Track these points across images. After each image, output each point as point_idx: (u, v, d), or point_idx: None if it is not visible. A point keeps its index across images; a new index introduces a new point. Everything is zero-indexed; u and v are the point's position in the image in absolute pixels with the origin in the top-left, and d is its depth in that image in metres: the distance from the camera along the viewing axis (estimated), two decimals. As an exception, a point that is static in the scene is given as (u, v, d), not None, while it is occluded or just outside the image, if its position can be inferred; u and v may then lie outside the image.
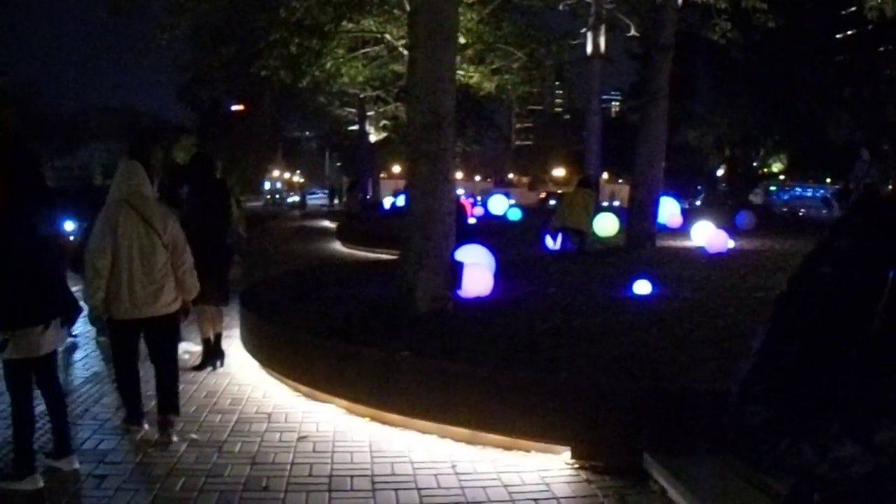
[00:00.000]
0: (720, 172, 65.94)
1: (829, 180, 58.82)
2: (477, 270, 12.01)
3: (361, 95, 45.86)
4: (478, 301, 11.67)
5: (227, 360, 11.53)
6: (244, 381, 10.77)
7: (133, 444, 8.14)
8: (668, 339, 9.39)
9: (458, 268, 11.25)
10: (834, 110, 50.48)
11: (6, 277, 6.88)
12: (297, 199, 78.06)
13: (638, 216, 21.06)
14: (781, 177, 64.32)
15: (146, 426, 8.57)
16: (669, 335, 9.63)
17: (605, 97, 29.95)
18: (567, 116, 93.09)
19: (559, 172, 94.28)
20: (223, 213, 11.58)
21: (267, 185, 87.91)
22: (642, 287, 12.64)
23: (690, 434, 7.03)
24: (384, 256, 22.33)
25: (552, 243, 20.08)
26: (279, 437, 8.46)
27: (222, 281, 11.28)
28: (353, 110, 51.01)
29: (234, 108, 72.99)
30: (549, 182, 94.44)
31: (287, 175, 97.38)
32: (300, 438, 8.39)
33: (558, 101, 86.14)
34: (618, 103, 77.42)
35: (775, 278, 14.21)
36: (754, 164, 64.51)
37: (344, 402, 9.26)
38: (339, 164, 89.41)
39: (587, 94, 32.48)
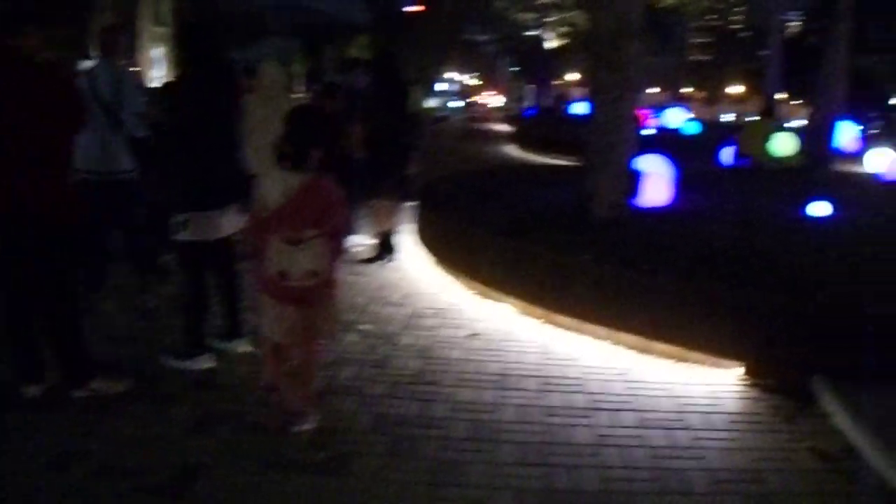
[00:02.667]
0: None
1: None
2: (656, 180, 11.85)
3: (541, 1, 45.49)
4: (655, 211, 11.50)
5: (401, 255, 11.66)
6: (418, 276, 10.92)
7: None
8: (847, 263, 9.09)
9: (636, 176, 11.12)
10: None
11: (187, 161, 7.07)
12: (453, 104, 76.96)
13: (815, 139, 20.78)
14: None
15: None
16: (849, 259, 9.33)
17: (784, 16, 28.73)
18: (745, 34, 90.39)
19: (735, 89, 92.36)
20: (403, 112, 11.63)
21: (441, 87, 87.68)
22: (821, 208, 12.30)
23: (863, 361, 6.86)
24: (562, 162, 22.22)
25: (728, 159, 20.01)
26: (449, 333, 8.53)
27: (399, 177, 11.38)
28: (533, 15, 50.51)
29: (411, 9, 72.91)
30: (725, 99, 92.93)
31: (463, 77, 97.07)
32: (471, 335, 8.45)
33: (736, 17, 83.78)
34: (798, 23, 74.89)
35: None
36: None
37: (518, 303, 9.27)
38: (514, 69, 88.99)
39: (768, 12, 31.54)
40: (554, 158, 24.95)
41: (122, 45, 9.44)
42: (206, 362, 7.20)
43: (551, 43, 50.52)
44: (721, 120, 55.79)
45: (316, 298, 5.90)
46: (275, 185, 5.80)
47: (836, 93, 20.69)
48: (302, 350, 6.13)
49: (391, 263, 11.38)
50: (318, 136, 5.84)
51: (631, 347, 8.09)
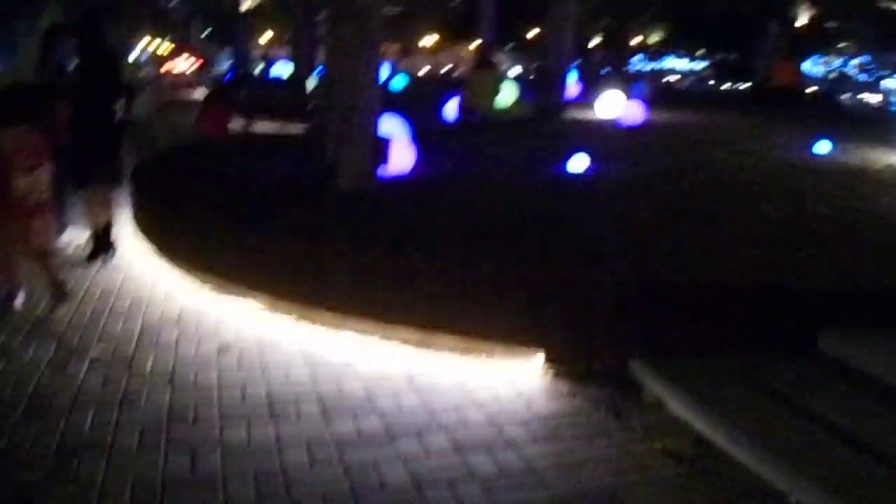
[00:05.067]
0: (595, 43, 65.84)
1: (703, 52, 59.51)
2: (397, 145, 10.81)
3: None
4: (403, 179, 10.60)
5: (119, 250, 10.08)
6: (142, 275, 9.39)
7: (22, 370, 6.61)
8: (631, 224, 8.45)
9: (384, 143, 10.08)
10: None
11: None
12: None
13: (546, 87, 20.75)
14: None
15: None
16: (632, 219, 8.68)
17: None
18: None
19: (430, 39, 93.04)
20: (114, 85, 10.06)
21: (132, 57, 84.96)
22: (580, 163, 11.55)
23: (679, 333, 6.36)
24: (268, 129, 21.16)
25: (452, 114, 19.44)
26: (195, 349, 7.13)
27: (114, 160, 9.87)
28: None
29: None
30: (417, 51, 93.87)
31: (154, 45, 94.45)
32: (221, 351, 7.07)
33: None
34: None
35: (714, 154, 13.47)
36: (631, 34, 64.90)
37: (265, 298, 7.97)
38: (207, 33, 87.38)
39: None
40: (258, 125, 23.80)
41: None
42: None
43: (247, 4, 49.21)
44: (426, 73, 56.23)
45: (37, 211, 8.02)
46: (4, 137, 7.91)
47: (565, 39, 20.86)
48: (27, 247, 8.14)
49: (110, 264, 9.82)
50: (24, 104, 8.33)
51: (407, 342, 7.05)
